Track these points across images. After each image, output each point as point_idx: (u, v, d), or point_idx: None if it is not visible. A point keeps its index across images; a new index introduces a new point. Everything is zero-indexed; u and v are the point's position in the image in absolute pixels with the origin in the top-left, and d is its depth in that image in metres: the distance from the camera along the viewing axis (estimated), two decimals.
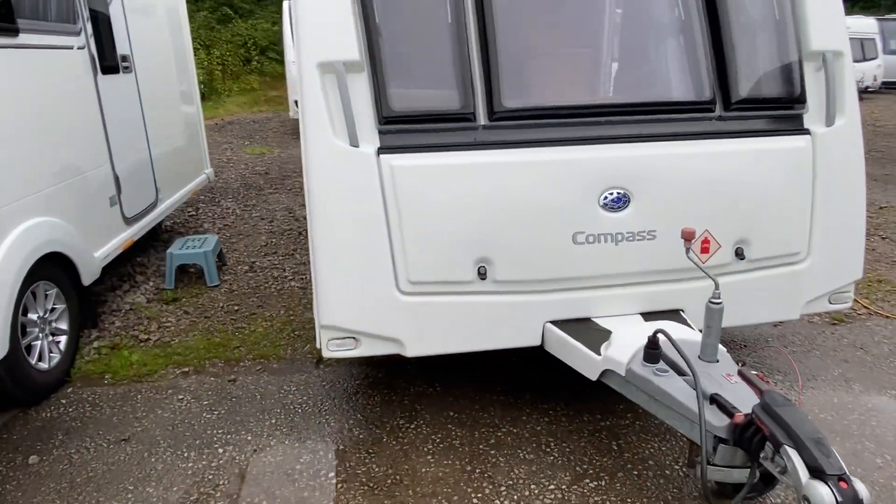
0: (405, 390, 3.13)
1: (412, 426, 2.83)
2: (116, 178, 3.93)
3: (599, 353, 2.40)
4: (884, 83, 16.91)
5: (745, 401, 2.01)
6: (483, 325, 2.62)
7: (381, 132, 2.52)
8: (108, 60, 3.89)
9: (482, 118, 2.56)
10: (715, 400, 1.96)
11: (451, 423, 2.85)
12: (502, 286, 2.60)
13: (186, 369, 3.39)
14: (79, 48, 3.54)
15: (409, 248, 2.50)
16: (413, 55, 2.57)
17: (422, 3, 2.57)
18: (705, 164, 2.67)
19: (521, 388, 3.10)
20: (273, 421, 2.90)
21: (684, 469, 2.49)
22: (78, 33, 3.54)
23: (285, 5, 12.86)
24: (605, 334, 2.56)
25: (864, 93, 14.91)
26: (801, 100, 2.79)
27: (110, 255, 3.78)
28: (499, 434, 2.76)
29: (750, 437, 1.91)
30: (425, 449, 2.67)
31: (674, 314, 2.74)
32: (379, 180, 2.48)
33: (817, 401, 2.99)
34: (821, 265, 2.87)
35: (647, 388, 2.12)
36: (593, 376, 2.41)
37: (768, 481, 2.20)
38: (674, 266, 2.70)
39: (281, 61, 18.69)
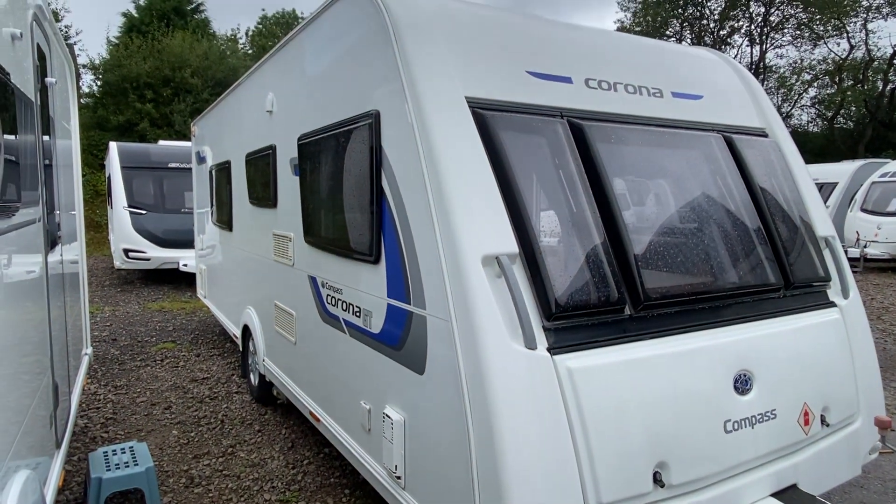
0: None
1: None
2: (55, 387, 2.84)
3: None
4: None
5: None
6: None
7: (545, 329, 2.26)
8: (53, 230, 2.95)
9: (628, 309, 2.48)
10: None
11: None
12: (675, 490, 2.37)
13: None
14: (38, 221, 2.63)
15: (597, 464, 2.17)
16: (563, 247, 2.42)
17: (564, 196, 2.50)
18: (794, 339, 2.89)
19: None
20: None
21: None
22: (37, 202, 2.65)
23: (112, 149, 11.62)
24: None
25: None
26: (827, 278, 3.25)
27: (52, 499, 2.61)
28: None
29: None
30: None
31: (793, 490, 2.77)
32: (558, 385, 2.18)
33: None
34: (866, 420, 3.20)
35: None
36: None
37: None
38: (788, 441, 2.78)
39: None
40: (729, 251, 2.91)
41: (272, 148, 4.34)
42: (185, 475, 3.91)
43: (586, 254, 2.44)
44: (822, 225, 3.38)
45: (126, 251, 10.77)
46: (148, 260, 10.88)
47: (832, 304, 3.21)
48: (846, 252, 13.88)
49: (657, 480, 2.31)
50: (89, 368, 4.88)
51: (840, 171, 15.17)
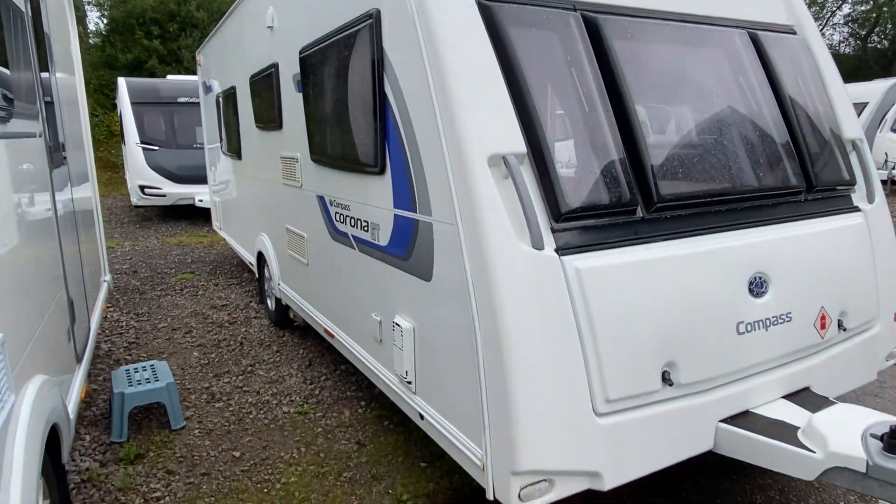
0: None
1: None
2: (71, 303, 2.89)
3: (808, 449, 2.28)
4: None
5: None
6: (668, 437, 2.35)
7: (554, 231, 2.20)
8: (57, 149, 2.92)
9: (641, 210, 2.40)
10: None
11: None
12: (684, 389, 2.37)
13: None
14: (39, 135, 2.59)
15: (604, 362, 2.16)
16: (573, 147, 2.33)
17: (575, 94, 2.38)
18: (814, 243, 2.80)
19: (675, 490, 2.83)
20: None
21: None
22: (36, 117, 2.60)
23: (121, 85, 11.46)
24: (781, 426, 2.46)
25: None
26: (852, 181, 3.12)
27: (75, 409, 2.71)
28: None
29: None
30: None
31: (806, 392, 2.76)
32: (566, 286, 2.14)
33: None
34: (885, 326, 3.15)
35: None
36: (811, 475, 2.26)
37: None
38: (803, 345, 2.74)
39: None
40: (749, 153, 2.78)
41: (275, 66, 4.20)
42: (206, 392, 4.04)
43: (598, 154, 2.34)
44: (850, 127, 3.22)
45: (142, 187, 10.82)
46: (164, 196, 10.92)
47: (856, 209, 3.10)
48: None
49: (666, 379, 2.31)
50: (109, 294, 4.98)
51: (870, 91, 14.42)
